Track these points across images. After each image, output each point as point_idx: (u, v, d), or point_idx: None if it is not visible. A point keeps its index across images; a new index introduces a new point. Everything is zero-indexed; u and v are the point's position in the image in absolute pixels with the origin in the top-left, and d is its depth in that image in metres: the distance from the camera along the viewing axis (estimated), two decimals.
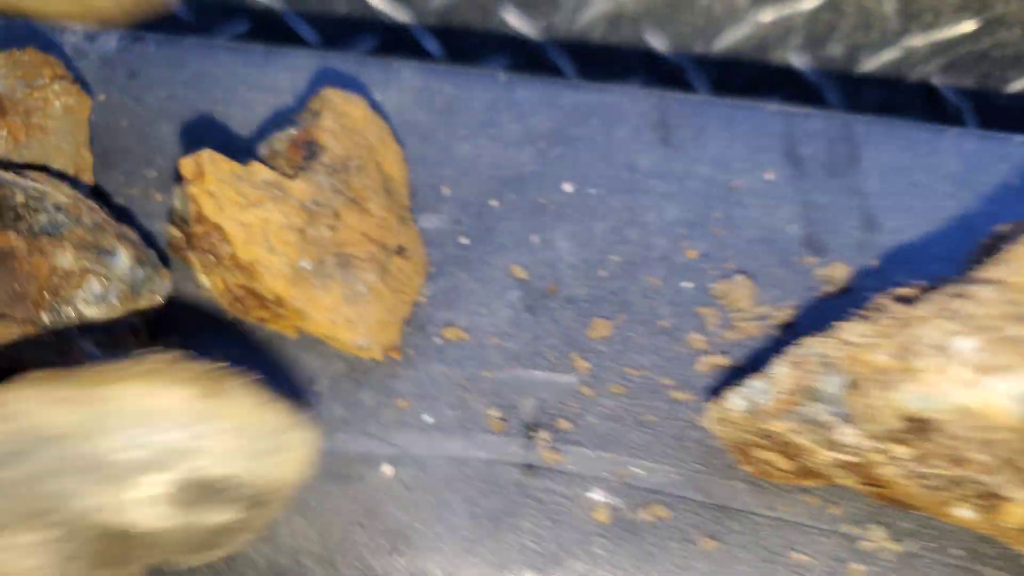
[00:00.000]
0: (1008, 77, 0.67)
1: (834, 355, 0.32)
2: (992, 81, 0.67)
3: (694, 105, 0.46)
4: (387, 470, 0.38)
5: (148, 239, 0.42)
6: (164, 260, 0.41)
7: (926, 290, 0.31)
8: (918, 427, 0.29)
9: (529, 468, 0.38)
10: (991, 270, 0.28)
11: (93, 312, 0.36)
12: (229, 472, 0.28)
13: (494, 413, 0.39)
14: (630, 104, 0.46)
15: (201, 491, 0.28)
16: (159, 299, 0.39)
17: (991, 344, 0.26)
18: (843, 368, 0.31)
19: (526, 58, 0.68)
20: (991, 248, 0.32)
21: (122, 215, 0.43)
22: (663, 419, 0.39)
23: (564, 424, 0.39)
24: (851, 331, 0.31)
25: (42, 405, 0.27)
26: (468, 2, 0.67)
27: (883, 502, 0.36)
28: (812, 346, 0.33)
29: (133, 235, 0.39)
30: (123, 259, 0.38)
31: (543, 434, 0.39)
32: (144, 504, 0.28)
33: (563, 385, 0.40)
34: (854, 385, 0.30)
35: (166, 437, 0.28)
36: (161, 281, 0.39)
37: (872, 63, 0.68)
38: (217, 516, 0.29)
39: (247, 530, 0.31)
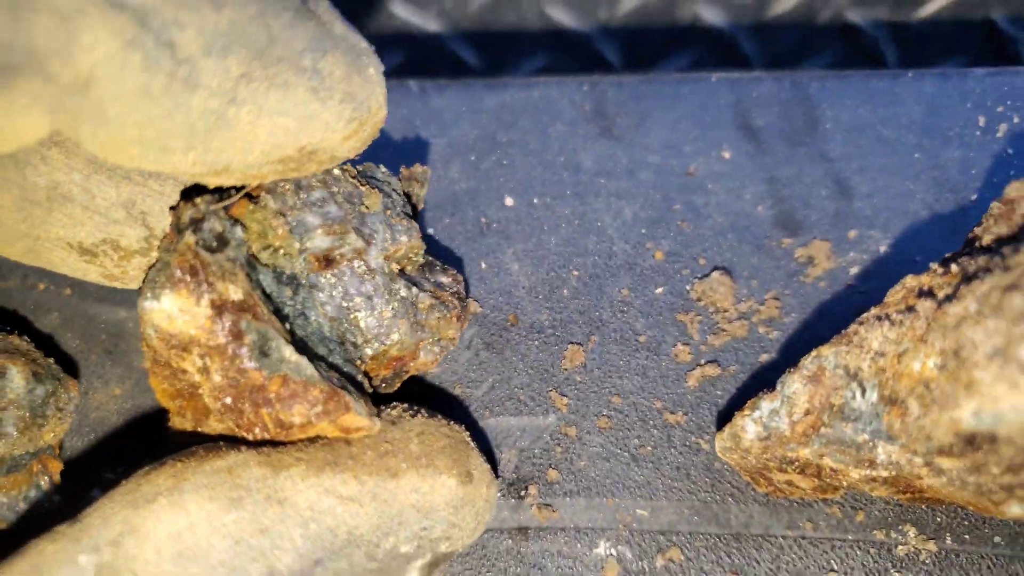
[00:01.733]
0: (919, 1, 0.65)
1: (858, 366, 0.28)
2: (905, 7, 0.65)
3: (630, 87, 0.42)
4: None
5: (47, 342, 0.36)
6: (70, 365, 0.35)
7: (949, 277, 0.27)
8: (973, 441, 0.25)
9: (522, 531, 0.33)
10: None
11: None
12: (458, 548, 0.30)
13: None
14: (560, 96, 0.42)
15: (435, 565, 0.30)
16: (68, 420, 0.33)
17: None
18: (873, 380, 0.27)
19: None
20: (1009, 215, 0.28)
21: (6, 318, 0.37)
22: (660, 448, 0.35)
23: (553, 474, 0.34)
24: (874, 336, 0.27)
25: (340, 503, 0.27)
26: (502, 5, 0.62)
27: (914, 503, 0.32)
28: (829, 357, 0.29)
29: (23, 343, 0.33)
30: (16, 379, 0.31)
31: (531, 490, 0.34)
32: None
33: (543, 428, 0.35)
34: (891, 401, 0.26)
35: (433, 530, 0.29)
36: (67, 395, 0.33)
37: (784, 4, 0.64)
38: None
39: None
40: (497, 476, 0.34)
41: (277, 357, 0.27)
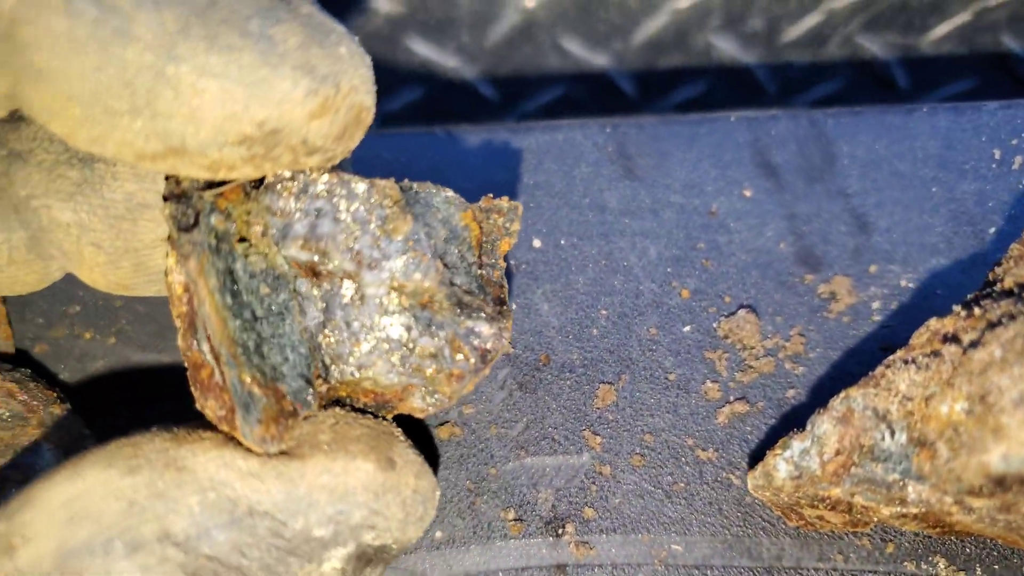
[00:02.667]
0: (929, 25, 0.66)
1: (887, 408, 0.29)
2: (914, 32, 0.66)
3: (651, 128, 0.43)
4: None
5: (78, 394, 0.37)
6: (112, 411, 0.36)
7: (973, 321, 0.28)
8: (1003, 483, 0.26)
9: (560, 569, 0.34)
10: None
11: None
12: (389, 541, 0.29)
13: (509, 515, 0.35)
14: (584, 139, 0.43)
15: (365, 560, 0.29)
16: None
17: None
18: (902, 423, 0.28)
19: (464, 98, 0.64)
20: None
21: (42, 372, 0.38)
22: (692, 484, 0.36)
23: (589, 512, 0.35)
24: (902, 379, 0.28)
25: (239, 477, 0.27)
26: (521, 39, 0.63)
27: (943, 536, 0.33)
28: (858, 399, 0.29)
29: (63, 413, 0.34)
30: (47, 457, 0.32)
31: (568, 528, 0.35)
32: None
33: (578, 467, 0.36)
34: (921, 443, 0.27)
35: (351, 515, 0.28)
36: None
37: (795, 31, 0.66)
38: None
39: None
40: (521, 516, 0.35)
41: (206, 347, 0.27)
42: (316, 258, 0.29)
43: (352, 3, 0.62)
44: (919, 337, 0.30)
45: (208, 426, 0.28)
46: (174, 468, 0.27)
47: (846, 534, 0.34)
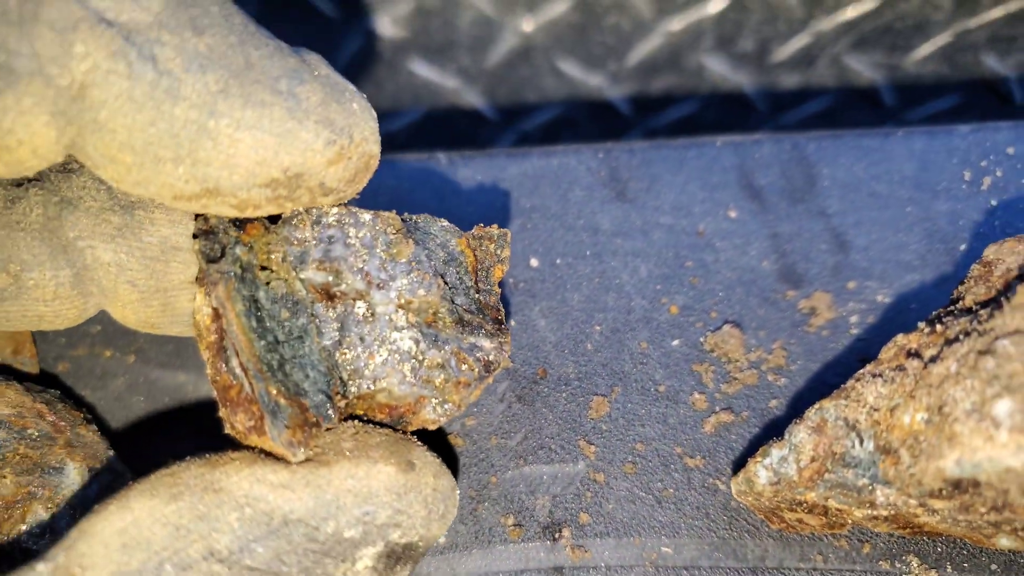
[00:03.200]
0: (912, 45, 0.68)
1: (856, 418, 0.31)
2: (898, 52, 0.68)
3: (642, 153, 0.45)
4: None
5: (99, 411, 0.40)
6: (134, 429, 0.38)
7: (934, 337, 0.31)
8: (959, 485, 0.28)
9: (557, 571, 0.37)
10: (1010, 319, 0.27)
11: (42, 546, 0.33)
12: (415, 539, 0.31)
13: (509, 520, 0.38)
14: (577, 163, 0.45)
15: (395, 558, 0.31)
16: None
17: None
18: (869, 431, 0.31)
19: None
20: (987, 276, 0.32)
21: (65, 390, 0.40)
22: (681, 490, 0.38)
23: (584, 517, 0.38)
24: (870, 392, 0.31)
25: (272, 490, 0.29)
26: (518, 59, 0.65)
27: (915, 536, 0.35)
28: (830, 409, 0.32)
29: (89, 433, 0.36)
30: (72, 476, 0.34)
31: (565, 532, 0.37)
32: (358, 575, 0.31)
33: (574, 475, 0.38)
34: (886, 450, 0.30)
35: (377, 515, 0.30)
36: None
37: (784, 51, 0.68)
38: (401, 575, 0.32)
39: None
40: (519, 522, 0.37)
41: (235, 364, 0.30)
42: (331, 279, 0.32)
43: (356, 28, 0.65)
44: (887, 352, 0.32)
45: (237, 447, 0.31)
46: (212, 490, 0.29)
47: (825, 536, 0.37)
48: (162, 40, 0.28)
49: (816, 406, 0.32)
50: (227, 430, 0.30)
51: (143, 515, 0.29)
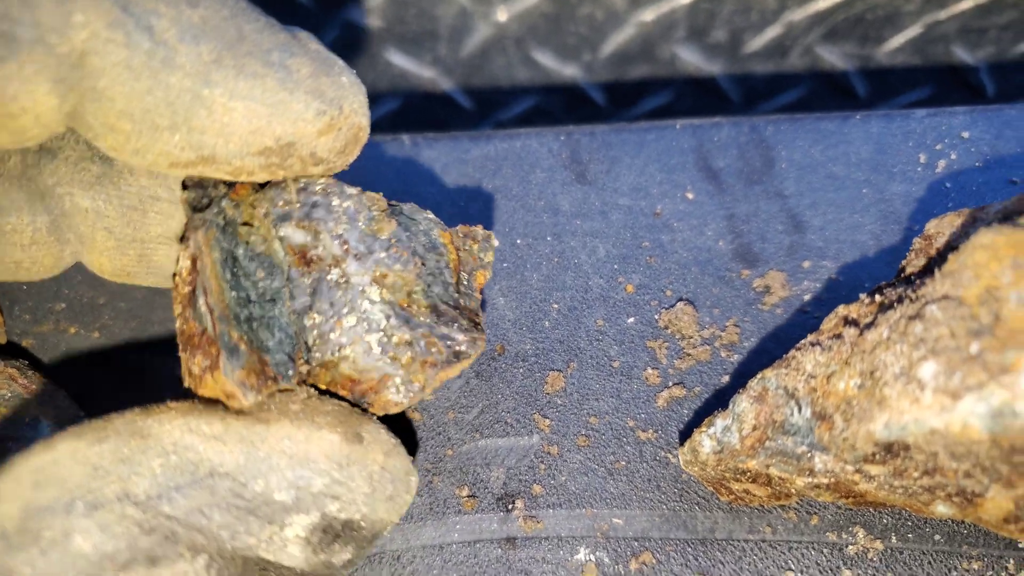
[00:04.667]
0: (883, 36, 0.69)
1: (795, 386, 0.32)
2: (870, 43, 0.69)
3: (603, 135, 0.46)
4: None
5: (63, 386, 0.40)
6: (98, 404, 0.39)
7: (872, 306, 0.31)
8: (891, 449, 0.29)
9: (510, 541, 0.37)
10: (940, 285, 0.28)
11: None
12: (356, 516, 0.30)
13: (464, 492, 0.38)
14: (539, 145, 0.46)
15: (332, 534, 0.30)
16: None
17: (956, 365, 0.26)
18: (807, 399, 0.31)
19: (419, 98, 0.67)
20: (927, 249, 0.32)
21: (38, 365, 0.41)
22: (633, 463, 0.39)
23: (537, 489, 0.38)
24: (808, 360, 0.31)
25: (203, 441, 0.29)
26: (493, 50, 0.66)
27: (860, 507, 0.36)
28: (771, 379, 0.33)
29: (59, 397, 0.37)
30: (46, 432, 0.35)
31: (518, 503, 0.38)
32: (287, 543, 0.30)
33: (528, 448, 0.39)
34: (821, 416, 0.30)
35: (312, 482, 0.30)
36: None
37: (757, 43, 0.69)
38: (340, 556, 0.31)
39: (349, 569, 0.32)
40: (462, 493, 0.38)
41: (201, 303, 0.30)
42: (309, 239, 0.33)
43: (333, 18, 0.66)
44: (828, 322, 0.33)
45: (178, 398, 0.31)
46: (139, 436, 0.29)
47: (774, 508, 0.37)
48: (158, 11, 0.29)
49: (759, 376, 0.33)
50: (185, 381, 0.31)
51: (64, 454, 0.29)
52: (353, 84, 0.32)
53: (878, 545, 0.37)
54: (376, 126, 0.66)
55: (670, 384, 0.40)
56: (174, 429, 0.29)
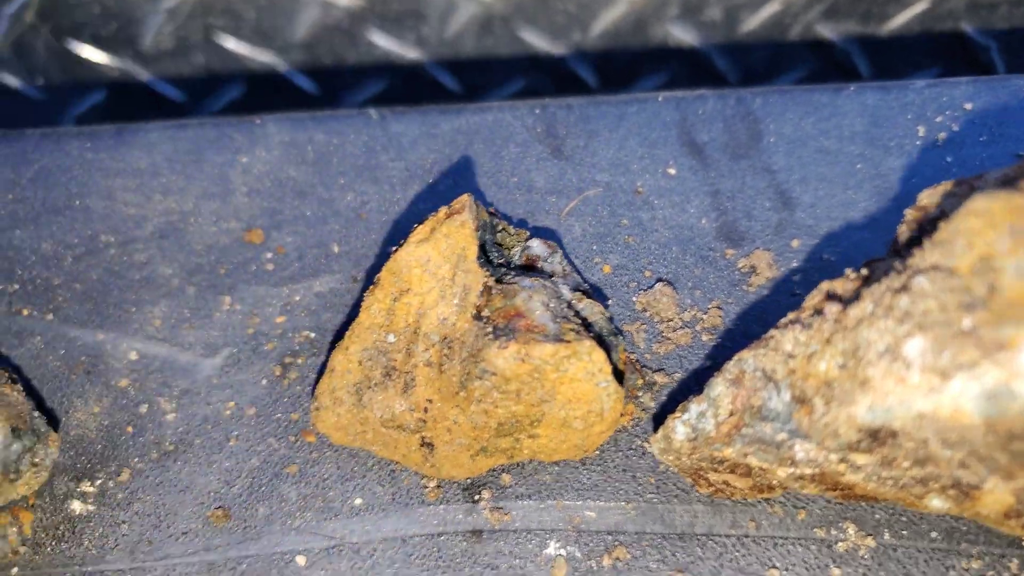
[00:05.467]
0: (888, 13, 0.66)
1: (774, 368, 0.29)
2: (874, 20, 0.66)
3: (580, 108, 0.44)
4: (302, 561, 0.35)
5: (15, 368, 0.38)
6: (52, 417, 0.37)
7: (858, 281, 0.29)
8: (877, 436, 0.26)
9: (475, 534, 0.35)
10: (929, 254, 0.25)
11: None
12: None
13: (429, 482, 0.36)
14: (512, 119, 0.43)
15: None
16: (43, 475, 0.34)
17: (946, 341, 0.24)
18: (786, 381, 0.29)
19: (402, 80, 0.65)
20: (919, 221, 0.30)
21: None
22: (608, 452, 0.36)
23: (505, 478, 0.36)
24: (788, 339, 0.29)
25: None
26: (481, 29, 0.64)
27: (850, 501, 0.33)
28: (749, 360, 0.30)
29: (15, 394, 0.35)
30: None
31: (484, 494, 0.36)
32: None
33: None
34: (800, 400, 0.28)
35: None
36: (45, 450, 0.35)
37: (754, 21, 0.66)
38: None
39: None
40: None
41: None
42: (546, 252, 0.37)
43: None
44: (811, 299, 0.30)
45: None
46: None
47: (759, 502, 0.35)
48: None
49: (736, 357, 0.31)
50: None
51: None
52: None
53: (870, 542, 0.34)
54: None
55: (649, 369, 0.38)
56: None
